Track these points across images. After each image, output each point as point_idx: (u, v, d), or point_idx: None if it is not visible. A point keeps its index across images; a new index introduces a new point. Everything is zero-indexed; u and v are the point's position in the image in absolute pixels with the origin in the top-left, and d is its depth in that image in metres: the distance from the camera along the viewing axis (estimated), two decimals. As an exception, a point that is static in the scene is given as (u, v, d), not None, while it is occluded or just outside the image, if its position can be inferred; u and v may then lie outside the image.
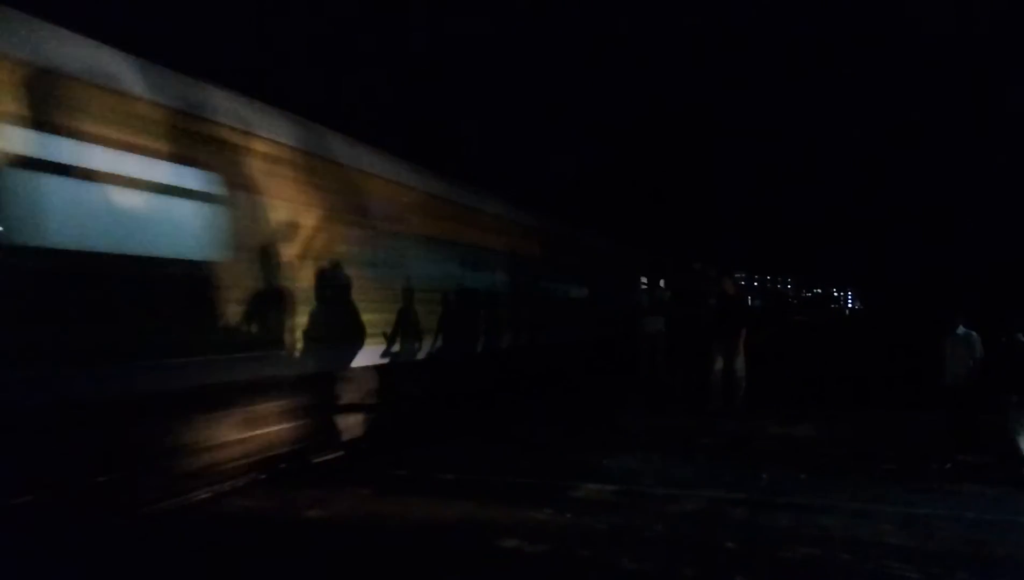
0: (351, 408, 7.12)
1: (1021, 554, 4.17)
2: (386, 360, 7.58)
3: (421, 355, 8.29)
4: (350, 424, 7.09)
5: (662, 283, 12.73)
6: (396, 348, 7.77)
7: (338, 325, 6.87)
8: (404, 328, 7.92)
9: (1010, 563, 4.02)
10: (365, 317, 7.13)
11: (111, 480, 4.66)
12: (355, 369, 7.10)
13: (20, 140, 4.28)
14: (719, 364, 9.41)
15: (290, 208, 6.29)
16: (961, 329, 7.50)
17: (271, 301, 6.04)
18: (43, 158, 4.40)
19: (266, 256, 6.00)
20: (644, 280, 15.31)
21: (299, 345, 6.29)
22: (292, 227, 6.30)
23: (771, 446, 7.26)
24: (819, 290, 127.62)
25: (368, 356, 7.25)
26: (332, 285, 6.74)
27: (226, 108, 5.88)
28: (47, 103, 4.43)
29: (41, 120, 4.40)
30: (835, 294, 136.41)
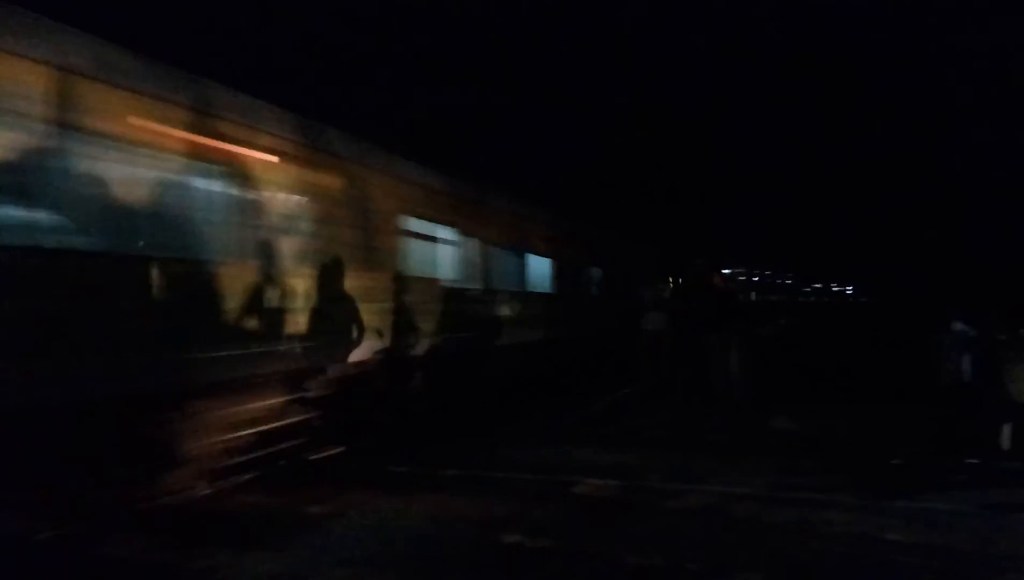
0: (353, 403, 7.12)
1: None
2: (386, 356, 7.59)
3: (421, 351, 8.28)
4: (350, 420, 7.09)
5: (664, 278, 12.70)
6: (396, 343, 7.76)
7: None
8: (402, 325, 7.93)
9: (1013, 559, 4.01)
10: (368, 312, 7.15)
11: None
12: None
13: None
14: (718, 359, 9.40)
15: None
16: (958, 325, 7.18)
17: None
18: None
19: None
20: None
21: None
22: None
23: (774, 441, 7.26)
24: (819, 285, 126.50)
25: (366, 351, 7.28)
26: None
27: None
28: None
29: None
30: (835, 289, 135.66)
